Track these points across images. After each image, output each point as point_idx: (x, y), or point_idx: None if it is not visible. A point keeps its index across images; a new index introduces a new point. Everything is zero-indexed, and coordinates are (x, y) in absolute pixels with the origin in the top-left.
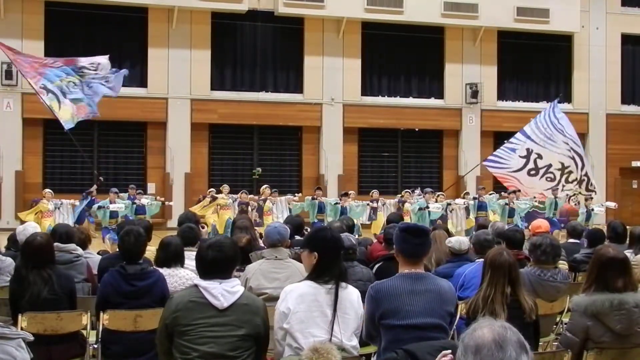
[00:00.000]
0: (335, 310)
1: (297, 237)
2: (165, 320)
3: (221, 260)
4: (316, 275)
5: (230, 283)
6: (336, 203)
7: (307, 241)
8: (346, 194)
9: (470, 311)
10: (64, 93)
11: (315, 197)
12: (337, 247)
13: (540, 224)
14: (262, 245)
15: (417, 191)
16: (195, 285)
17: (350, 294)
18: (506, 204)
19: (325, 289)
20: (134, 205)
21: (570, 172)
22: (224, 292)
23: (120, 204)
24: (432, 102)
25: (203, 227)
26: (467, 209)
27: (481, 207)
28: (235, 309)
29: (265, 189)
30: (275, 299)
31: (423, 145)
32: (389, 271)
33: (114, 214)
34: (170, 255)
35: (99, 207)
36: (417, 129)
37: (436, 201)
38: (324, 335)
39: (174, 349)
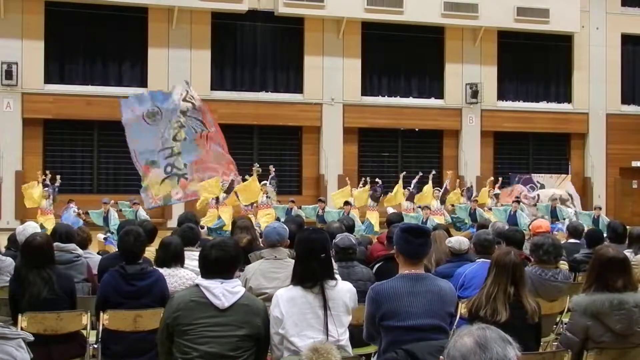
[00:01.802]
0: (326, 311)
1: None
2: (167, 320)
3: (224, 259)
4: (298, 280)
5: (231, 283)
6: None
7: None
8: (322, 200)
9: (473, 308)
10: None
11: (319, 207)
12: (312, 248)
13: (541, 224)
14: (262, 245)
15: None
16: (197, 285)
17: (340, 291)
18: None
19: (313, 293)
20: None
21: None
22: (225, 292)
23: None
24: (432, 102)
25: (202, 228)
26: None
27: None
28: (236, 309)
29: (262, 185)
30: None
31: (423, 145)
32: (389, 271)
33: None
34: (170, 255)
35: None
36: (417, 129)
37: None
38: (319, 336)
39: (175, 348)
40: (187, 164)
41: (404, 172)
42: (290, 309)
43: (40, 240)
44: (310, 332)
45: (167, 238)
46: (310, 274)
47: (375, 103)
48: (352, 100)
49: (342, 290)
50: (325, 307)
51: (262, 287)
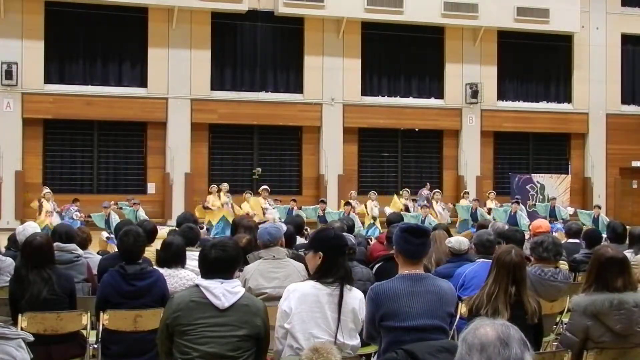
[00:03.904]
0: (339, 312)
1: (299, 238)
2: (166, 320)
3: (224, 260)
4: (320, 275)
5: (231, 283)
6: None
7: (311, 242)
8: (323, 201)
9: (474, 307)
10: None
11: (320, 208)
12: (340, 245)
13: (541, 224)
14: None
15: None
16: (197, 285)
17: (354, 298)
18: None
19: (328, 290)
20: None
21: None
22: (225, 292)
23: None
24: (432, 102)
25: (202, 228)
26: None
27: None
28: (236, 309)
29: (263, 190)
30: (274, 298)
31: (423, 145)
32: (389, 271)
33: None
34: (171, 256)
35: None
36: (417, 129)
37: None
38: (324, 336)
39: (175, 348)
40: None
41: (407, 189)
42: (300, 305)
43: (40, 240)
44: (315, 330)
45: (168, 238)
46: (340, 271)
47: (375, 103)
48: (352, 100)
49: (354, 297)
50: (340, 308)
51: (262, 287)
